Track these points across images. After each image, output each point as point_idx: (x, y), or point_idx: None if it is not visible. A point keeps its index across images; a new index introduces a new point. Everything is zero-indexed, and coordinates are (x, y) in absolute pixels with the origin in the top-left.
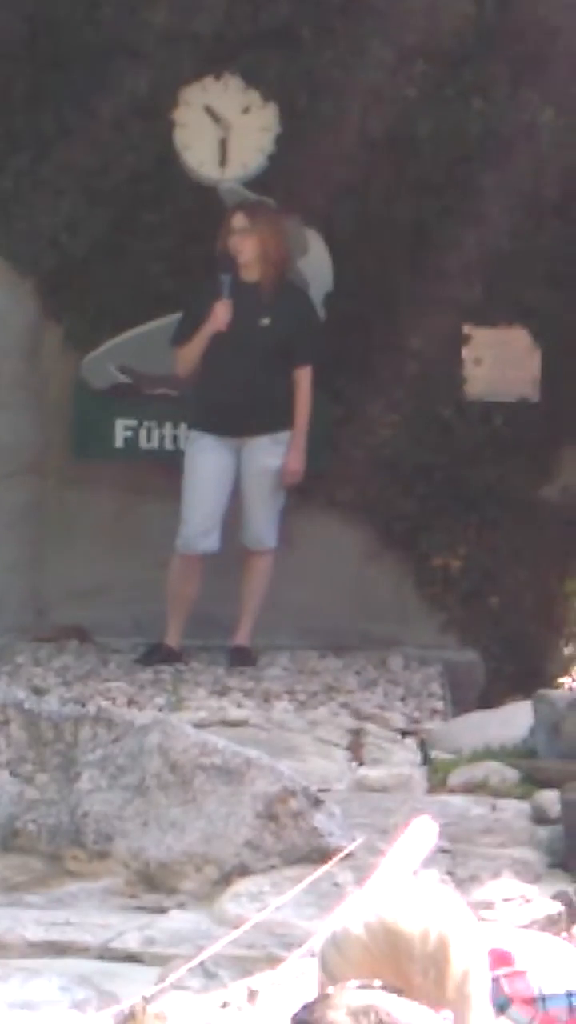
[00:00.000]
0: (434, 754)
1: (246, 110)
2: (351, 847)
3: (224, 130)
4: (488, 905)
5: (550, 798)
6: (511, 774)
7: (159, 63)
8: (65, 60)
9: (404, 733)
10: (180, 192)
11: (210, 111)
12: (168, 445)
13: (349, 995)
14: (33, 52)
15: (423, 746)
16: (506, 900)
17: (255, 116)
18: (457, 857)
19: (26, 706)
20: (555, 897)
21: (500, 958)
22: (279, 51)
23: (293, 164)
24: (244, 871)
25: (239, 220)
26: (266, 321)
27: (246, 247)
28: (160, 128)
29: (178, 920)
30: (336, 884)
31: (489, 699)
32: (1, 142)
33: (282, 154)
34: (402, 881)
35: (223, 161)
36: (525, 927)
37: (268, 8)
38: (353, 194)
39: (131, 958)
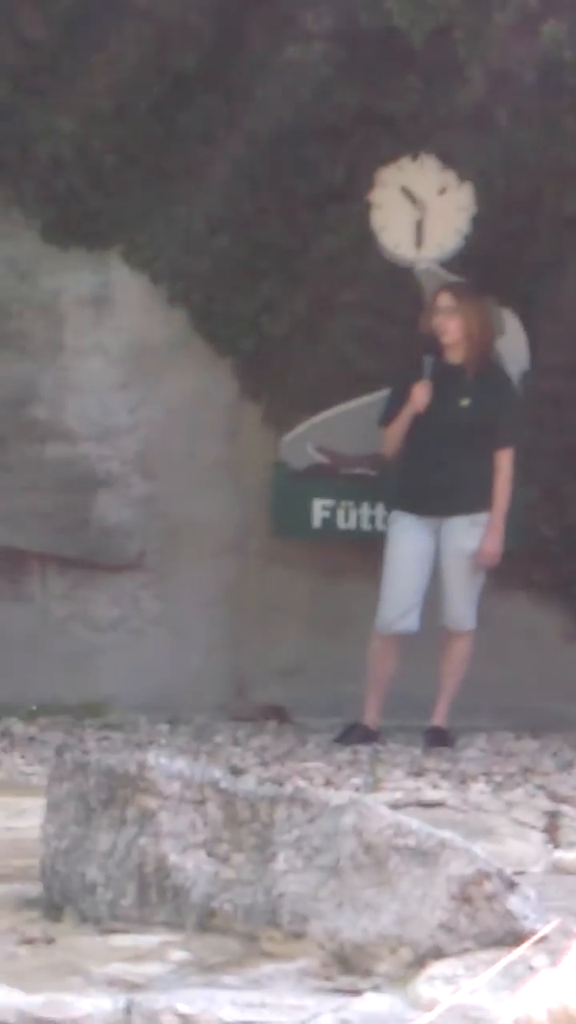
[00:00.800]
0: None
1: (442, 191)
2: (546, 930)
3: (420, 211)
4: None
5: None
6: None
7: (356, 145)
8: (264, 142)
9: None
10: (377, 273)
11: (407, 192)
12: (365, 525)
13: None
14: (232, 133)
15: None
16: None
17: (451, 196)
18: None
19: (222, 785)
20: None
21: None
22: (474, 131)
23: (488, 244)
24: (438, 954)
25: (445, 300)
26: (467, 402)
27: (451, 328)
28: (357, 209)
29: (372, 1003)
30: (531, 968)
31: None
32: (200, 224)
33: (477, 234)
34: None
35: (419, 242)
36: None
37: (463, 89)
38: (548, 273)
39: None
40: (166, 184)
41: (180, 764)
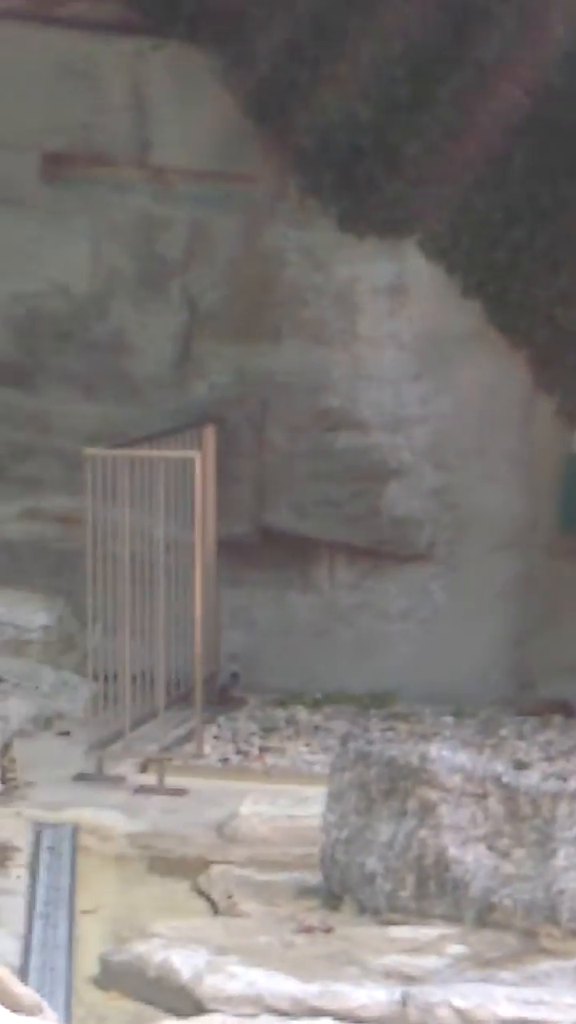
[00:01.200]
0: None
1: None
2: None
3: None
4: None
5: None
6: None
7: None
8: (565, 132)
9: None
10: None
11: None
12: None
13: None
14: (533, 124)
15: None
16: None
17: None
18: None
19: (504, 780)
20: None
21: None
22: None
23: None
24: None
25: None
26: None
27: None
28: None
29: None
30: None
31: None
32: (499, 214)
33: None
34: None
35: None
36: None
37: None
38: None
39: None
40: (464, 174)
41: (462, 757)
